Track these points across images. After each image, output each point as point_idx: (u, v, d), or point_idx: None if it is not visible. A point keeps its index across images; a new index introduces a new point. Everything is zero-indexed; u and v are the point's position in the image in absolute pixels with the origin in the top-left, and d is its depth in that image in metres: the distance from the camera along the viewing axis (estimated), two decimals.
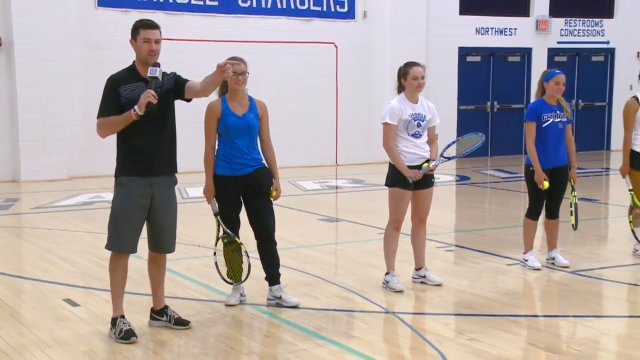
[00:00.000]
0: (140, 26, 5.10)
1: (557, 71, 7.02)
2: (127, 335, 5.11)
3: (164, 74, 5.15)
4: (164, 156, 5.19)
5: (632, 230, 7.63)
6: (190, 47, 14.40)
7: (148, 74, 5.04)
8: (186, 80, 5.22)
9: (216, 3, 15.14)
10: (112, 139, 5.22)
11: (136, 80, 5.10)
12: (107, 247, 5.23)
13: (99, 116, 5.11)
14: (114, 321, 5.22)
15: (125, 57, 5.68)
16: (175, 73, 5.28)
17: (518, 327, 5.51)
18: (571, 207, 7.10)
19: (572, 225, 7.13)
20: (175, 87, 5.19)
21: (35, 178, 13.55)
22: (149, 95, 4.93)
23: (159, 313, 5.46)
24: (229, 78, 5.13)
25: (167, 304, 5.52)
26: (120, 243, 5.17)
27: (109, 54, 13.21)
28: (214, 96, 5.85)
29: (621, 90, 18.52)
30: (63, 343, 5.13)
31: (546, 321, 5.81)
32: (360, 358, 4.84)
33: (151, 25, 5.12)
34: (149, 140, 5.10)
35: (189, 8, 14.89)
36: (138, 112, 4.94)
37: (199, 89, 5.13)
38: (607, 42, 19.39)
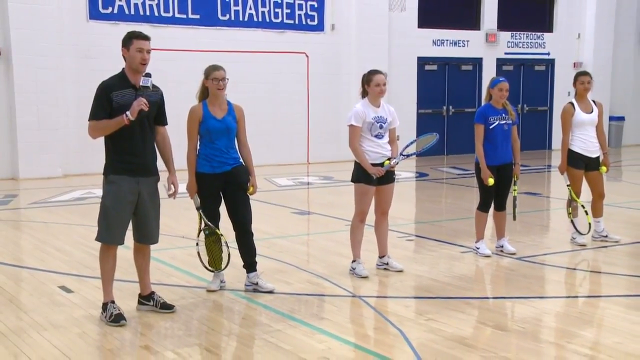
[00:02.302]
0: (135, 37, 5.04)
1: (501, 79, 7.06)
2: (117, 319, 5.07)
3: (153, 86, 5.12)
4: (149, 158, 5.16)
5: (571, 221, 7.74)
6: (174, 57, 14.30)
7: (140, 84, 5.00)
8: (162, 120, 5.26)
9: (198, 16, 15.03)
10: (102, 139, 5.16)
11: (127, 87, 5.05)
12: (98, 239, 5.18)
13: (90, 119, 5.05)
14: (104, 306, 5.17)
15: (114, 65, 5.62)
16: (162, 93, 5.24)
17: (470, 307, 5.55)
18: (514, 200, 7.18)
19: (512, 216, 7.22)
20: (157, 110, 5.17)
21: (32, 176, 13.36)
22: (142, 103, 4.89)
23: (146, 298, 5.42)
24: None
25: (153, 290, 5.47)
26: (110, 235, 5.11)
27: (99, 63, 13.10)
28: (195, 101, 5.83)
29: (560, 96, 18.77)
30: (58, 326, 5.08)
31: (495, 302, 5.86)
32: (330, 337, 4.83)
33: (145, 37, 5.07)
34: (137, 143, 5.06)
35: (173, 21, 14.77)
36: (130, 118, 4.89)
37: (158, 146, 5.25)
38: (548, 54, 19.63)
